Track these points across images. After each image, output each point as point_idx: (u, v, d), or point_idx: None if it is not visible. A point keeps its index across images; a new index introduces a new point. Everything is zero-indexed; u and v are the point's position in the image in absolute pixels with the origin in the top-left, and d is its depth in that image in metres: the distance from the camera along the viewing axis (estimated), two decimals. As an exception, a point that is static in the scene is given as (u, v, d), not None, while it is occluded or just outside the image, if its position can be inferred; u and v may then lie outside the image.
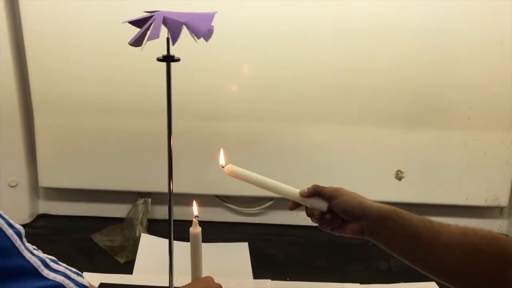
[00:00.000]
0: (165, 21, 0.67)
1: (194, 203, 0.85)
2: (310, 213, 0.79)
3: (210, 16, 0.69)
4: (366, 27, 1.19)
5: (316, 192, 0.78)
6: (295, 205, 0.81)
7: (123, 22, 0.69)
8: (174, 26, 0.66)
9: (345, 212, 0.75)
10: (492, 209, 1.36)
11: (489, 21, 1.18)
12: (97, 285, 1.06)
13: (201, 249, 0.83)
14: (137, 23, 0.69)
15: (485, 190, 1.30)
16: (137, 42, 0.68)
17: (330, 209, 0.77)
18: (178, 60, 0.75)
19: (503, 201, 1.31)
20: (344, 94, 1.25)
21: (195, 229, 0.82)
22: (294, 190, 0.79)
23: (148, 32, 0.66)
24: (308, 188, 0.78)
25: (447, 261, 0.67)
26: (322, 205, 0.77)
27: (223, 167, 0.80)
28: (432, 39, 1.20)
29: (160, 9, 0.68)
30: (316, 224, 0.81)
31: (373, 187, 1.30)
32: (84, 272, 1.09)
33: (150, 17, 0.68)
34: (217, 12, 0.70)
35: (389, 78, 1.23)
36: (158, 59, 0.75)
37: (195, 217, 0.83)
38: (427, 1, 1.17)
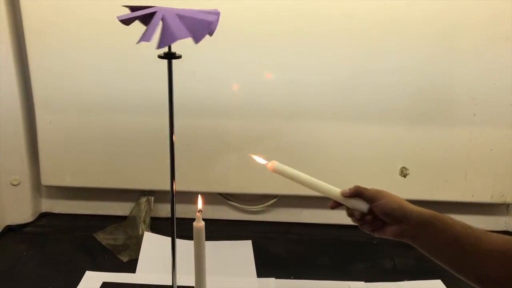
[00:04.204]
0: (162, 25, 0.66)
1: (199, 197, 0.85)
2: (350, 213, 0.79)
3: (209, 24, 0.68)
4: (370, 24, 1.18)
5: (357, 193, 0.78)
6: (336, 204, 0.81)
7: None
8: (168, 36, 0.65)
9: (386, 214, 0.75)
10: (498, 206, 1.35)
11: (494, 16, 1.17)
12: (100, 284, 1.06)
13: (204, 243, 0.83)
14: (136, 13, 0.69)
15: (491, 186, 1.29)
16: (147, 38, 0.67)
17: (370, 211, 0.77)
18: (179, 57, 0.75)
19: (509, 198, 1.30)
20: (348, 91, 1.24)
21: (199, 223, 0.81)
22: (335, 189, 0.79)
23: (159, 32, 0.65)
24: (349, 189, 0.79)
25: (488, 269, 0.65)
26: (362, 206, 0.77)
27: (266, 165, 0.81)
28: (437, 34, 1.19)
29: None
30: (344, 224, 0.80)
31: (377, 184, 1.27)
32: (87, 271, 1.10)
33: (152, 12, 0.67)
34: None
35: (393, 75, 1.22)
36: (160, 57, 0.75)
37: (199, 211, 0.83)
38: (432, -4, 1.16)
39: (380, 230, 0.77)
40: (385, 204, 0.75)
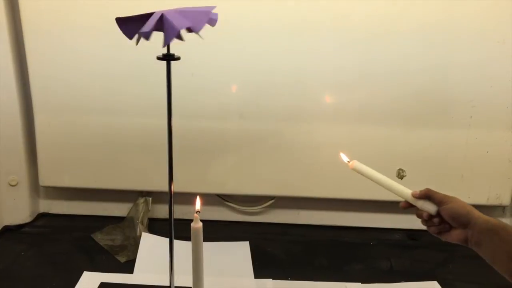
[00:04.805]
0: (163, 22, 0.67)
1: (198, 198, 0.85)
2: (419, 214, 0.82)
3: (208, 13, 0.69)
4: (367, 26, 1.19)
5: (427, 195, 0.80)
6: (407, 205, 0.84)
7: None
8: (170, 29, 0.66)
9: (452, 218, 0.77)
10: (494, 208, 1.36)
11: (491, 19, 1.18)
12: (97, 284, 1.06)
13: (202, 244, 0.83)
14: (136, 19, 0.69)
15: (487, 188, 1.29)
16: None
17: (438, 214, 0.79)
18: (178, 58, 0.75)
19: (505, 200, 1.30)
20: (345, 93, 1.24)
21: (196, 224, 0.82)
22: (407, 190, 0.83)
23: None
24: (420, 190, 0.81)
25: None
26: (431, 208, 0.80)
27: (348, 163, 0.87)
28: (434, 37, 1.19)
29: (161, 8, 0.68)
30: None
31: (374, 186, 1.29)
32: (84, 271, 1.10)
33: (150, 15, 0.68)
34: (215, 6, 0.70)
35: (390, 77, 1.22)
36: (158, 58, 0.75)
37: (197, 212, 0.83)
38: (429, 0, 1.16)
39: (446, 234, 0.79)
40: (453, 208, 0.77)
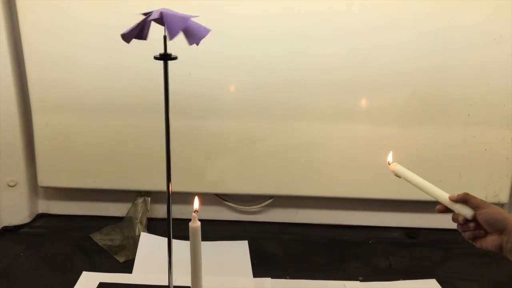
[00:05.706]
0: (163, 21, 0.67)
1: (196, 198, 0.85)
2: (455, 218, 0.82)
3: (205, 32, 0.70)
4: (365, 24, 1.19)
5: (464, 199, 0.80)
6: (443, 208, 0.83)
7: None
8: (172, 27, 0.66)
9: (488, 223, 0.77)
10: (492, 206, 1.36)
11: (488, 18, 1.18)
12: (96, 284, 1.06)
13: (200, 243, 0.83)
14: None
15: (485, 186, 1.30)
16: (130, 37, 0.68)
17: (474, 219, 0.79)
18: (175, 58, 0.76)
19: (504, 198, 1.30)
20: (343, 92, 1.24)
21: (195, 224, 0.82)
22: (444, 194, 0.83)
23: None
24: (458, 194, 0.81)
25: None
26: (467, 212, 0.79)
27: (389, 164, 0.87)
28: (432, 36, 1.19)
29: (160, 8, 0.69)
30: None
31: (372, 184, 1.29)
32: (83, 272, 1.10)
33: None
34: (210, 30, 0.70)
35: (388, 75, 1.22)
36: (156, 58, 0.75)
37: (195, 211, 0.83)
38: (426, -2, 1.17)
39: (481, 240, 0.79)
40: (489, 213, 0.76)
